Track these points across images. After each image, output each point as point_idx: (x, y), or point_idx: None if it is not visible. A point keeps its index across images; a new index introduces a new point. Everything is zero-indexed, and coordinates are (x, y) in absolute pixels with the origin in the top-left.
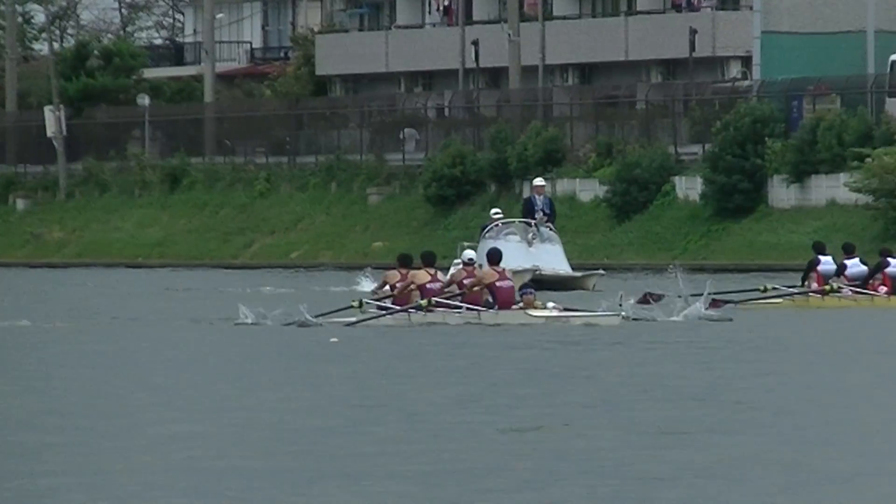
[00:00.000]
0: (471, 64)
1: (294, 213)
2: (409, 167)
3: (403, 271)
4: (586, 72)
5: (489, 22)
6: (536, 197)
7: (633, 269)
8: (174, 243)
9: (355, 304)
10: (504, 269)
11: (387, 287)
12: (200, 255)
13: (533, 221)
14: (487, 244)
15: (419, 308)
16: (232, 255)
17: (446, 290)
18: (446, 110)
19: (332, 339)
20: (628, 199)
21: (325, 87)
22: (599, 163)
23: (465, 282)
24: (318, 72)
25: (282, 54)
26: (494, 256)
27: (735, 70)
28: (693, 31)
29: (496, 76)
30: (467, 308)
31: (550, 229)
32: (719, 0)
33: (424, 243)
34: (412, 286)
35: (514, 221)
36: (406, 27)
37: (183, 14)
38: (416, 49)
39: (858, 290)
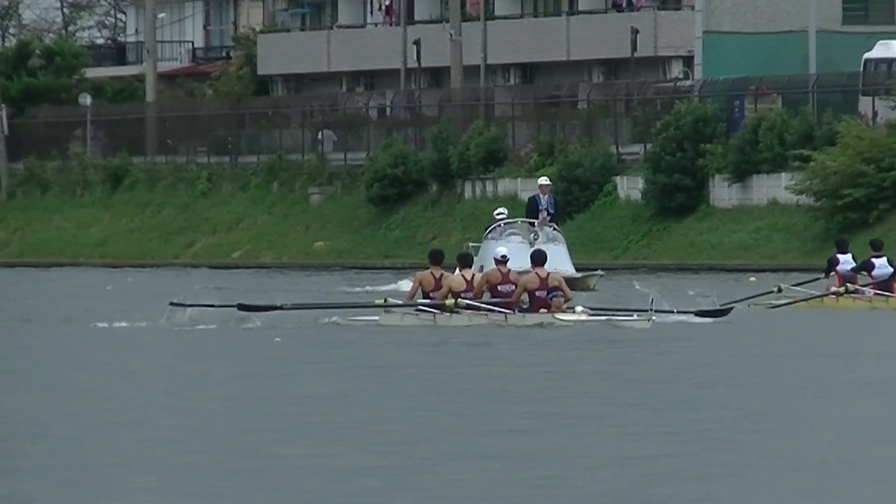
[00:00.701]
0: (412, 64)
1: (235, 212)
2: (350, 167)
3: (437, 273)
4: (528, 71)
5: (431, 22)
6: (541, 196)
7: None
8: (116, 243)
9: (380, 302)
10: (548, 276)
11: (419, 291)
12: (142, 254)
13: (536, 221)
14: (490, 245)
15: (444, 308)
16: (174, 254)
17: (481, 293)
18: (388, 110)
19: (276, 339)
20: (570, 199)
21: (267, 86)
22: (541, 162)
23: (499, 288)
24: (260, 71)
25: (223, 54)
26: (538, 258)
27: (677, 70)
28: (634, 31)
29: (438, 76)
30: (493, 310)
31: (554, 229)
32: (661, 0)
33: (366, 243)
34: (448, 294)
35: (516, 221)
36: (348, 27)
37: (125, 14)
38: (357, 49)
39: (879, 291)
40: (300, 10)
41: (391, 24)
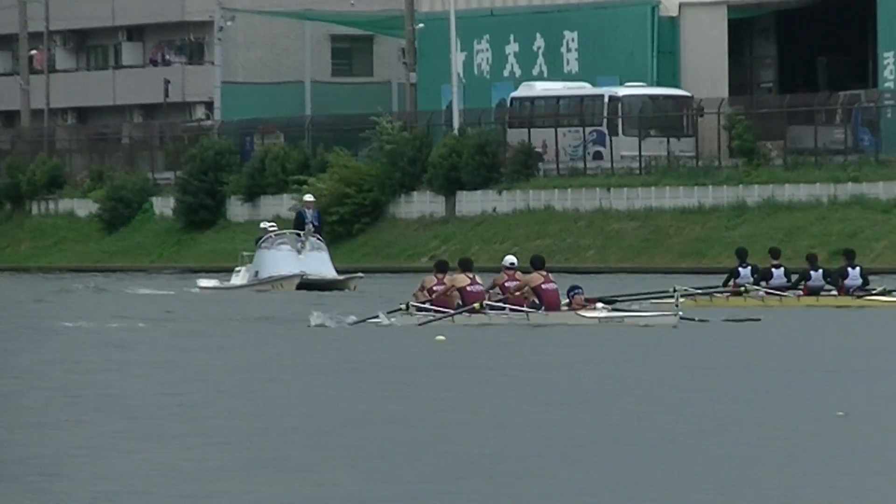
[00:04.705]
0: None
1: None
2: None
3: (440, 276)
4: (82, 114)
5: (5, 74)
6: (307, 211)
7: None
8: None
9: (402, 307)
10: (548, 274)
11: (425, 291)
12: None
13: (302, 232)
14: (263, 253)
15: (471, 311)
16: None
17: (490, 292)
18: None
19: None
20: (116, 215)
21: None
22: (93, 186)
23: (507, 285)
24: None
25: None
26: (537, 262)
27: (200, 112)
28: (167, 82)
29: (10, 117)
30: (515, 310)
31: (319, 239)
32: (188, 56)
33: None
34: (453, 289)
35: (285, 233)
36: None
37: None
38: None
39: (771, 291)
40: None
41: None
